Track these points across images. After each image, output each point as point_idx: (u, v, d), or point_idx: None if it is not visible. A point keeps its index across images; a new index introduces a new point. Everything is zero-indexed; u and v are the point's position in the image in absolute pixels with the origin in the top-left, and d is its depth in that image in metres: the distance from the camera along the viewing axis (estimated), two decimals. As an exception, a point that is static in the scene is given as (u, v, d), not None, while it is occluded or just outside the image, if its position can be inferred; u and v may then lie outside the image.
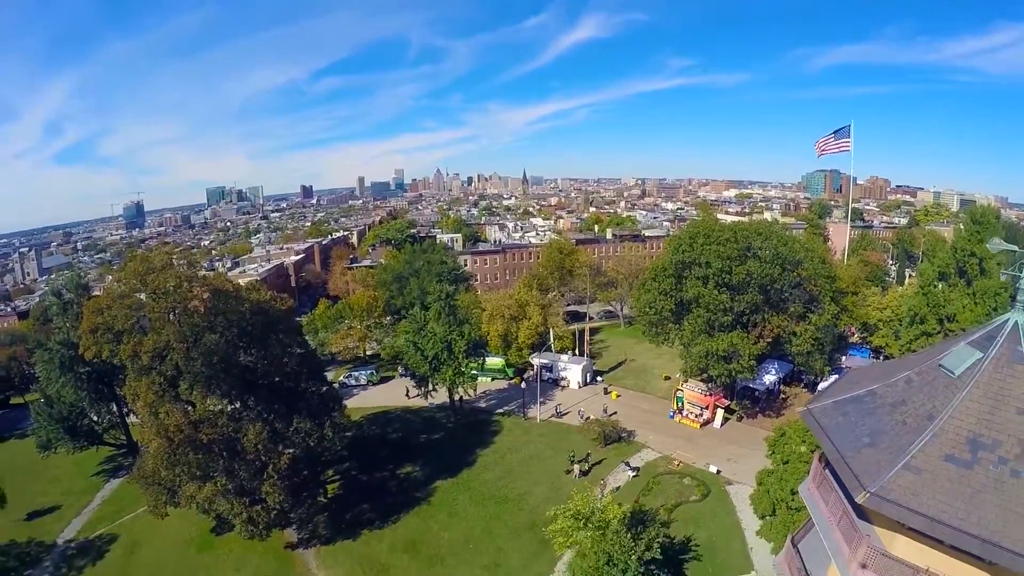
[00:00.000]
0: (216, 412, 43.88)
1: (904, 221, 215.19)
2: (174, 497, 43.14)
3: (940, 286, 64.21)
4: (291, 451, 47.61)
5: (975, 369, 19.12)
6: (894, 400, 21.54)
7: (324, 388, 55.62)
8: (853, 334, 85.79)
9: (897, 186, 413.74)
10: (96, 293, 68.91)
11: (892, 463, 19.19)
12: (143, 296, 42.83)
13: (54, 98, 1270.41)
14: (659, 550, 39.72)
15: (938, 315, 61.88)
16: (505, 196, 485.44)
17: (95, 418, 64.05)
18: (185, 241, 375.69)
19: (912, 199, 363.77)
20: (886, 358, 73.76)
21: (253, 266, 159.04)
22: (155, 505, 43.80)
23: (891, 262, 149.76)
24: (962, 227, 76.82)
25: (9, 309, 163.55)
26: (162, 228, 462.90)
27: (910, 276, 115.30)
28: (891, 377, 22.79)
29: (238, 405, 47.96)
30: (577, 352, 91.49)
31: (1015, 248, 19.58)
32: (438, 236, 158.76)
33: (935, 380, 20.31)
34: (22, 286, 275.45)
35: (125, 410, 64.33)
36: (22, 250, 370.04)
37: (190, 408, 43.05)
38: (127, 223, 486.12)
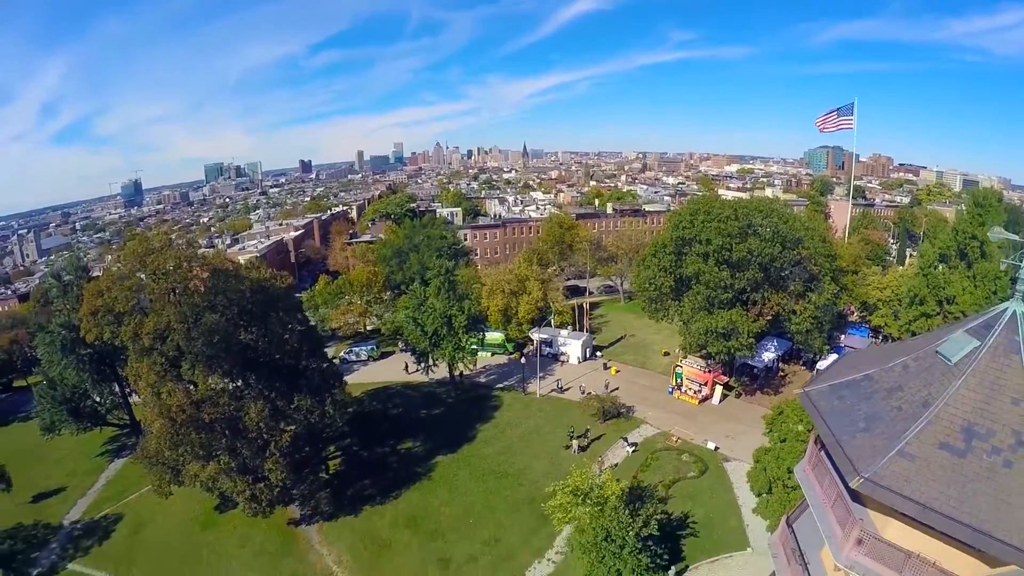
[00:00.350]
0: (217, 391, 44.07)
1: (906, 200, 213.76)
2: (178, 476, 43.61)
3: (940, 268, 64.14)
4: (292, 428, 47.96)
5: (972, 358, 19.17)
6: (890, 386, 21.64)
7: (325, 365, 55.86)
8: (852, 313, 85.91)
9: (900, 164, 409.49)
10: (96, 274, 68.90)
11: (886, 449, 19.35)
12: (143, 276, 42.78)
13: (49, 78, 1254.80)
14: (656, 526, 40.32)
15: (938, 297, 61.92)
16: (505, 169, 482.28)
17: (98, 399, 64.37)
18: (184, 218, 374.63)
19: (915, 178, 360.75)
20: (885, 338, 74.07)
21: (252, 243, 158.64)
22: (159, 484, 44.30)
23: (892, 241, 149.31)
24: (964, 209, 76.39)
25: (9, 292, 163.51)
26: (160, 206, 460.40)
27: (911, 256, 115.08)
28: (888, 362, 22.85)
29: (239, 383, 48.13)
30: (577, 327, 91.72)
31: (1016, 238, 19.46)
32: (438, 210, 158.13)
33: (932, 367, 20.37)
34: (22, 268, 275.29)
35: (127, 390, 64.70)
36: (21, 232, 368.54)
37: (192, 388, 43.24)
38: (125, 201, 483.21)
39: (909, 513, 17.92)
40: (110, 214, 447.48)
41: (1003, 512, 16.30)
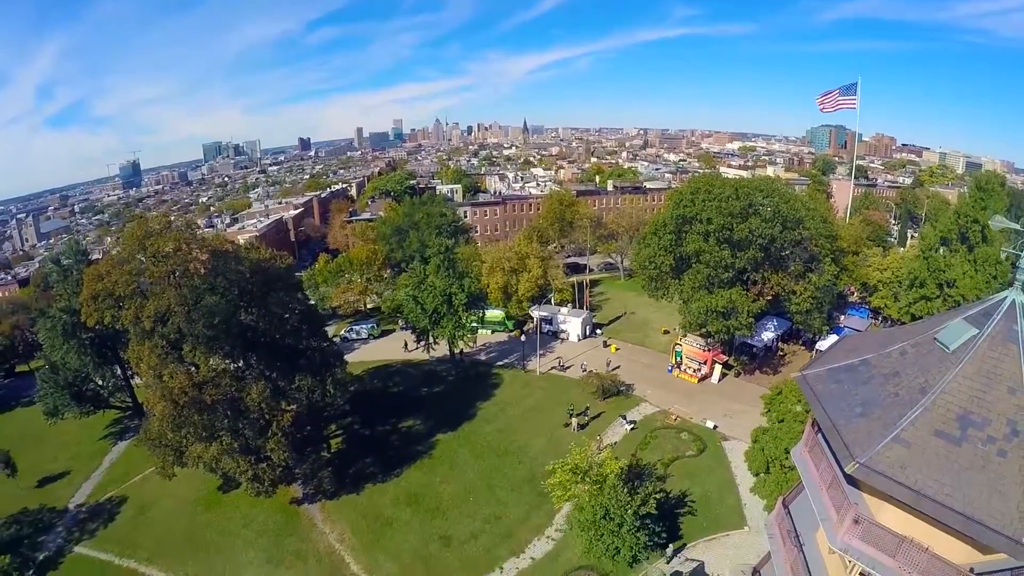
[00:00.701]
0: (219, 372, 44.31)
1: (908, 181, 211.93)
2: (181, 458, 43.96)
3: (941, 251, 63.98)
4: (294, 408, 48.33)
5: (969, 346, 19.16)
6: (888, 371, 21.69)
7: (325, 344, 56.13)
8: (853, 293, 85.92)
9: (903, 144, 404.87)
10: (95, 257, 68.75)
11: (882, 435, 19.45)
12: (143, 259, 42.76)
13: (45, 60, 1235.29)
14: (654, 505, 40.79)
15: (938, 280, 61.89)
16: (505, 146, 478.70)
17: (100, 382, 64.62)
18: (183, 198, 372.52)
19: (917, 159, 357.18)
20: (884, 319, 74.13)
21: (252, 222, 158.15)
22: (163, 466, 44.68)
23: (893, 222, 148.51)
24: (966, 192, 75.92)
25: (9, 277, 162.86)
26: (159, 186, 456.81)
27: (912, 238, 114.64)
28: (886, 347, 22.89)
29: (240, 364, 48.45)
30: (577, 305, 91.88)
31: (1017, 227, 19.33)
32: (437, 187, 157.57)
33: (929, 354, 20.39)
34: (21, 253, 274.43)
35: (129, 373, 64.88)
36: (19, 216, 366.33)
37: (193, 370, 43.45)
38: (124, 183, 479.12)
39: (903, 499, 18.09)
40: (108, 196, 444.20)
41: (996, 501, 16.42)
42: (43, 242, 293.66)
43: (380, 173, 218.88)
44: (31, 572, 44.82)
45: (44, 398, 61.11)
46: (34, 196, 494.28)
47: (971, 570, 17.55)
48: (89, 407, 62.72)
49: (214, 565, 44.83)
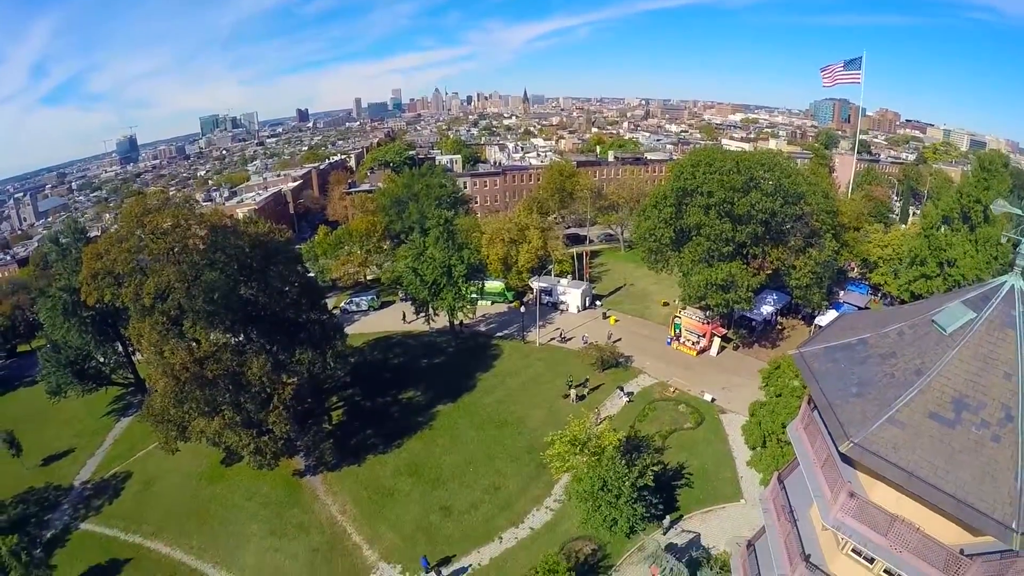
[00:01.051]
0: (219, 347, 44.53)
1: (912, 157, 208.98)
2: (184, 433, 44.39)
3: (943, 230, 63.71)
4: (295, 381, 48.57)
5: (967, 329, 19.16)
6: (885, 351, 21.73)
7: (325, 317, 56.42)
8: (853, 269, 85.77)
9: (907, 120, 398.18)
10: (94, 234, 68.44)
11: (877, 415, 19.58)
12: (141, 235, 42.64)
13: (38, 36, 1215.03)
14: (652, 476, 41.35)
15: (938, 259, 61.74)
16: (505, 116, 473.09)
17: (102, 360, 64.90)
18: (181, 172, 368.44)
19: (921, 135, 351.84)
20: (884, 295, 74.12)
21: (251, 195, 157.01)
22: (166, 441, 45.10)
23: (896, 199, 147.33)
24: (970, 171, 75.24)
25: (8, 258, 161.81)
26: (157, 161, 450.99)
27: (914, 215, 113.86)
28: (884, 327, 22.90)
29: (241, 338, 48.72)
30: (576, 276, 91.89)
31: (1019, 211, 19.16)
32: (437, 158, 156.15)
33: (927, 335, 20.38)
34: (20, 232, 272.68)
35: (131, 349, 65.18)
36: (17, 196, 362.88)
37: (194, 345, 43.64)
38: (121, 158, 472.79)
39: (896, 480, 18.29)
40: (106, 172, 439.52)
41: (987, 485, 16.58)
42: (41, 221, 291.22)
43: (379, 144, 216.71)
44: (39, 550, 45.39)
45: (47, 377, 61.49)
46: (31, 175, 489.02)
47: (961, 551, 17.81)
48: (91, 385, 63.12)
49: (218, 537, 45.70)
